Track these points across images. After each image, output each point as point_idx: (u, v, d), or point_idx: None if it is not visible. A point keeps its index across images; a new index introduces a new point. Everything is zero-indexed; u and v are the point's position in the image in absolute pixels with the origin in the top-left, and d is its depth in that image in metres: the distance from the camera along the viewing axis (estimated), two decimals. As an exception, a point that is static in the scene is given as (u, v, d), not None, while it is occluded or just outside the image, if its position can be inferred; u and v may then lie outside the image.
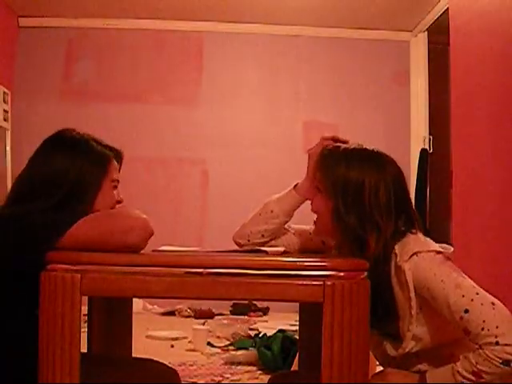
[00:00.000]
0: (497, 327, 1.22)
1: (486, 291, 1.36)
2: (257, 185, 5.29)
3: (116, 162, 1.54)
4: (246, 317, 4.70)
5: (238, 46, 5.43)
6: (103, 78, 5.34)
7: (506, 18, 2.95)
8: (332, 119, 5.34)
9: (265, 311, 4.90)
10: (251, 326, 4.18)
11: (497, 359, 1.19)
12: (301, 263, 1.12)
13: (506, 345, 1.19)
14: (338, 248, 1.54)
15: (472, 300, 1.26)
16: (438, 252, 1.35)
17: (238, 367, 3.06)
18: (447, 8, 4.03)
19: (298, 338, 1.99)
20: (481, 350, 1.22)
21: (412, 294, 1.32)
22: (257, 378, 2.89)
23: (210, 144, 5.34)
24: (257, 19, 5.24)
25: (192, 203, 5.30)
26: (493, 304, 1.26)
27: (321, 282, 1.08)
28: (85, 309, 1.33)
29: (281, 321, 4.27)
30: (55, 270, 1.10)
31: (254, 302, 4.82)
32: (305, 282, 1.09)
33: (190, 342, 3.63)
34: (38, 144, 1.49)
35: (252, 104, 5.42)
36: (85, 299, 1.15)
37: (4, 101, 4.89)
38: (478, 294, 1.28)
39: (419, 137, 5.18)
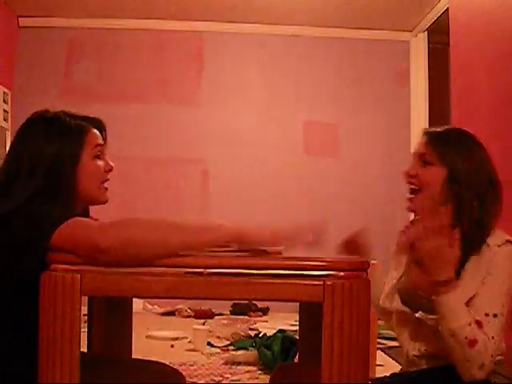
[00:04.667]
0: (497, 348, 1.33)
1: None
2: (257, 185, 5.30)
3: (98, 132, 1.49)
4: (246, 317, 4.71)
5: (238, 46, 5.43)
6: (103, 78, 5.34)
7: (506, 17, 2.95)
8: (332, 119, 5.35)
9: (265, 311, 4.91)
10: (251, 326, 4.18)
11: (480, 361, 1.29)
12: (301, 263, 1.12)
13: (491, 362, 1.31)
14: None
15: (503, 315, 1.36)
16: None
17: (238, 367, 3.06)
18: (447, 8, 4.03)
19: (298, 337, 1.98)
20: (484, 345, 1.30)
21: (481, 272, 1.38)
22: (257, 378, 2.89)
23: (210, 144, 5.34)
24: (257, 19, 5.24)
25: (192, 203, 5.30)
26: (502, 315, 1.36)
27: (321, 282, 1.08)
28: (85, 309, 1.33)
29: (281, 321, 4.27)
30: (55, 269, 1.10)
31: (254, 302, 4.82)
32: (305, 282, 1.09)
33: (189, 342, 3.63)
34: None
35: (252, 104, 5.42)
36: (85, 299, 1.15)
37: (4, 101, 4.89)
38: (506, 315, 1.36)
39: (419, 137, 5.17)
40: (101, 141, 1.49)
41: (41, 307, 1.10)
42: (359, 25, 5.29)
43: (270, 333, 3.39)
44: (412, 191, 1.54)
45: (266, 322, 4.49)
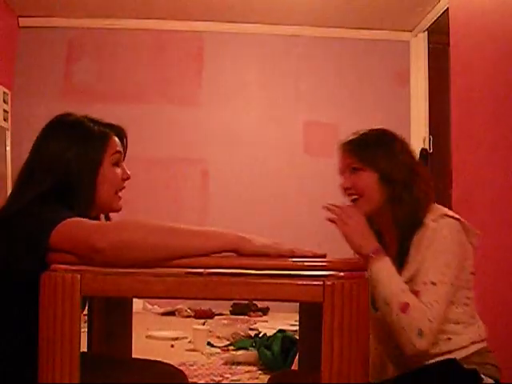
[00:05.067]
0: (438, 315, 1.36)
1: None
2: (257, 185, 5.30)
3: (118, 139, 1.51)
4: (246, 317, 4.70)
5: (238, 46, 5.43)
6: (103, 78, 5.34)
7: (506, 17, 2.95)
8: (332, 119, 5.35)
9: (265, 311, 4.90)
10: (251, 326, 4.18)
11: (416, 327, 1.34)
12: (301, 263, 1.12)
13: (430, 329, 1.34)
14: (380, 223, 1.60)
15: (445, 283, 1.39)
16: (462, 222, 1.48)
17: (238, 367, 3.06)
18: (447, 8, 4.02)
19: (298, 337, 1.98)
20: (419, 311, 1.36)
21: (421, 248, 1.45)
22: (257, 378, 2.89)
23: (210, 144, 5.34)
24: (257, 19, 5.24)
25: (192, 203, 5.30)
26: (447, 303, 1.39)
27: (320, 282, 1.08)
28: (85, 309, 1.33)
29: (281, 321, 4.27)
30: (55, 269, 1.10)
31: (254, 302, 4.82)
32: (305, 282, 1.09)
33: (190, 342, 3.63)
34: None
35: (252, 104, 5.42)
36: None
37: (4, 101, 4.89)
38: (451, 286, 1.40)
39: (419, 137, 5.18)
40: (120, 148, 1.50)
41: (41, 307, 1.10)
42: (359, 25, 5.28)
43: (270, 333, 3.39)
44: (353, 201, 1.60)
45: (266, 322, 4.49)
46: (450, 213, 1.50)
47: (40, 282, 1.10)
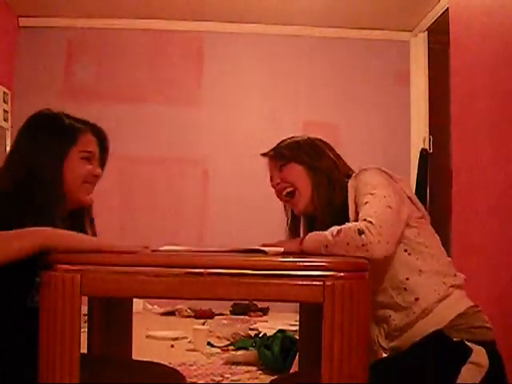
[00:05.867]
0: (374, 212, 1.42)
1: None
2: (257, 185, 5.28)
3: (96, 139, 1.53)
4: (246, 317, 4.71)
5: (238, 46, 5.43)
6: (103, 78, 5.34)
7: (506, 17, 2.95)
8: (332, 119, 5.34)
9: (265, 311, 4.90)
10: (251, 326, 4.18)
11: (353, 231, 1.38)
12: (301, 263, 1.12)
13: (369, 222, 1.39)
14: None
15: (374, 196, 1.46)
16: (380, 169, 1.55)
17: (238, 367, 3.06)
18: (447, 8, 4.02)
19: (298, 337, 1.98)
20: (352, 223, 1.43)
21: (350, 208, 1.53)
22: (257, 378, 2.89)
23: (210, 144, 5.34)
24: (257, 19, 5.24)
25: (192, 203, 5.30)
26: (388, 207, 1.44)
27: (321, 282, 1.08)
28: (85, 309, 1.33)
29: (281, 321, 4.27)
30: (55, 269, 1.10)
31: (254, 302, 4.82)
32: (305, 282, 1.09)
33: (190, 342, 3.63)
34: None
35: (252, 104, 5.42)
36: (85, 299, 1.15)
37: (4, 101, 4.89)
38: (382, 197, 1.46)
39: (419, 137, 5.18)
40: (93, 147, 1.51)
41: (41, 307, 1.10)
42: (359, 25, 5.28)
43: (270, 333, 3.38)
44: (289, 195, 1.69)
45: (266, 322, 4.49)
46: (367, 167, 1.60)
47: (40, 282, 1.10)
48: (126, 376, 1.43)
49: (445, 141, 4.46)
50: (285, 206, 1.80)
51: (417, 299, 1.47)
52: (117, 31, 5.34)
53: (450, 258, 1.60)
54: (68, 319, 1.08)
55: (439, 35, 4.83)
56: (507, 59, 2.92)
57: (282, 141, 1.78)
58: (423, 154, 4.99)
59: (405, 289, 1.48)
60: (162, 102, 5.34)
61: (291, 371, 2.70)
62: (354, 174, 1.60)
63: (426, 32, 5.22)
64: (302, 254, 1.49)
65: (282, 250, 1.44)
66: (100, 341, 1.71)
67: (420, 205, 1.59)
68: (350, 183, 1.57)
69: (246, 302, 4.78)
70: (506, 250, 2.80)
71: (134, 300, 1.81)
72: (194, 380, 2.81)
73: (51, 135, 1.44)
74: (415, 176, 4.88)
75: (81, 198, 1.50)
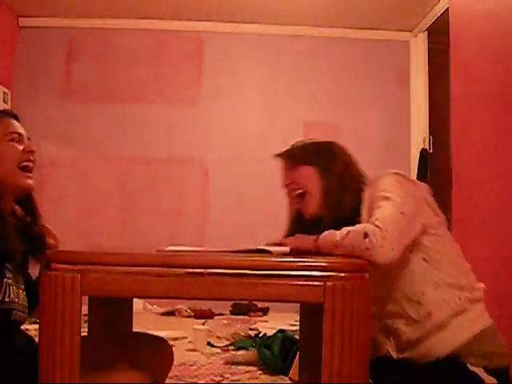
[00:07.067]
0: (382, 216, 1.39)
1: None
2: (257, 185, 5.29)
3: (16, 122, 1.47)
4: (246, 317, 4.70)
5: (238, 46, 5.43)
6: (103, 78, 5.34)
7: (506, 17, 2.95)
8: (332, 119, 5.34)
9: (265, 311, 4.90)
10: (251, 326, 4.18)
11: (359, 234, 1.36)
12: (301, 264, 1.12)
13: (375, 225, 1.37)
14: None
15: (389, 199, 1.43)
16: (400, 174, 1.52)
17: (238, 367, 3.06)
18: (447, 8, 4.03)
19: (298, 337, 1.98)
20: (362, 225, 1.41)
21: (363, 217, 1.49)
22: (257, 378, 2.89)
23: (211, 144, 5.34)
24: (257, 19, 5.24)
25: (192, 203, 5.30)
26: (402, 213, 1.41)
27: (321, 283, 1.08)
28: (85, 309, 1.33)
29: (281, 321, 4.27)
30: (55, 269, 1.10)
31: (254, 302, 4.82)
32: (305, 283, 1.09)
33: (190, 342, 3.62)
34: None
35: (252, 104, 5.42)
36: (85, 299, 1.15)
37: (4, 101, 4.89)
38: (396, 202, 1.42)
39: (419, 137, 5.18)
40: (17, 129, 1.46)
41: (41, 307, 1.10)
42: (359, 25, 5.28)
43: (270, 333, 3.38)
44: (300, 197, 1.66)
45: (266, 322, 4.49)
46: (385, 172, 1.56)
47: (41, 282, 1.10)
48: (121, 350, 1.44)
49: (445, 141, 4.46)
50: (290, 204, 1.76)
51: (430, 314, 1.43)
52: (117, 31, 5.34)
53: (469, 265, 1.55)
54: (68, 319, 1.08)
55: (439, 35, 4.83)
56: (507, 59, 2.92)
57: (297, 142, 1.78)
58: (423, 154, 4.99)
59: (419, 302, 1.44)
60: (162, 101, 5.34)
61: (291, 371, 2.70)
62: (370, 181, 1.57)
63: (426, 32, 5.22)
64: (317, 252, 1.46)
65: (287, 249, 1.44)
66: (100, 341, 1.71)
67: (439, 211, 1.55)
68: (367, 191, 1.55)
69: (246, 302, 4.77)
70: (506, 250, 2.80)
71: (134, 300, 1.80)
72: (194, 380, 2.80)
73: None
74: (415, 176, 4.88)
75: (20, 184, 1.42)
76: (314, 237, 1.51)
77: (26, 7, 5.08)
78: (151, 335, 1.66)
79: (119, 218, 5.14)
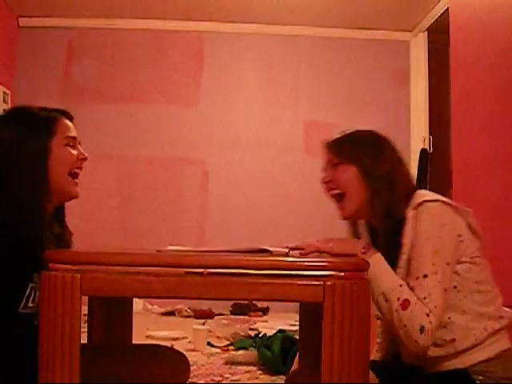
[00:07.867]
0: (435, 307, 1.33)
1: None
2: (257, 185, 5.30)
3: (71, 124, 1.47)
4: (246, 317, 4.70)
5: (238, 46, 5.43)
6: (103, 78, 5.34)
7: (506, 17, 2.95)
8: (332, 119, 5.34)
9: (265, 311, 4.90)
10: (251, 326, 4.18)
11: (418, 323, 1.31)
12: (301, 263, 1.12)
13: (431, 322, 1.32)
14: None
15: (436, 273, 1.35)
16: (445, 203, 1.44)
17: (238, 367, 3.06)
18: (447, 8, 4.03)
19: (298, 337, 1.98)
20: (417, 306, 1.33)
21: (405, 240, 1.42)
22: (257, 378, 2.89)
23: (210, 144, 5.34)
24: (257, 19, 5.24)
25: (192, 203, 5.30)
26: (445, 290, 1.36)
27: (321, 282, 1.08)
28: (85, 309, 1.33)
29: (281, 321, 4.27)
30: (55, 269, 1.10)
31: (254, 302, 4.82)
32: (305, 282, 1.09)
33: (189, 342, 3.62)
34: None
35: (252, 104, 5.42)
36: (85, 299, 1.15)
37: (4, 101, 4.89)
38: (443, 272, 1.36)
39: (419, 137, 5.18)
40: (73, 132, 1.45)
41: (41, 307, 1.10)
42: (359, 25, 5.28)
43: (270, 333, 3.38)
44: (337, 198, 1.59)
45: (266, 322, 4.49)
46: (433, 197, 1.46)
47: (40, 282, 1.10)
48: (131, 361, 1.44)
49: (445, 141, 4.46)
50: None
51: (454, 340, 1.40)
52: (117, 31, 5.34)
53: (497, 289, 1.52)
54: (68, 319, 1.08)
55: (439, 35, 4.83)
56: (507, 59, 2.92)
57: (345, 133, 1.63)
58: (423, 154, 4.99)
59: (444, 327, 1.40)
60: (162, 101, 5.34)
61: (291, 371, 2.69)
62: (415, 203, 1.46)
63: (426, 32, 5.22)
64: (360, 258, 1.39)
65: (287, 250, 1.43)
66: (100, 341, 1.71)
67: (480, 233, 1.49)
68: (411, 214, 1.44)
69: (246, 302, 4.77)
70: (507, 250, 2.80)
71: (134, 300, 1.80)
72: (194, 380, 2.80)
73: (27, 129, 1.38)
74: (415, 176, 4.88)
75: (69, 191, 1.44)
76: (362, 244, 1.45)
77: (25, 7, 5.08)
78: (169, 348, 1.63)
79: (119, 218, 5.14)
